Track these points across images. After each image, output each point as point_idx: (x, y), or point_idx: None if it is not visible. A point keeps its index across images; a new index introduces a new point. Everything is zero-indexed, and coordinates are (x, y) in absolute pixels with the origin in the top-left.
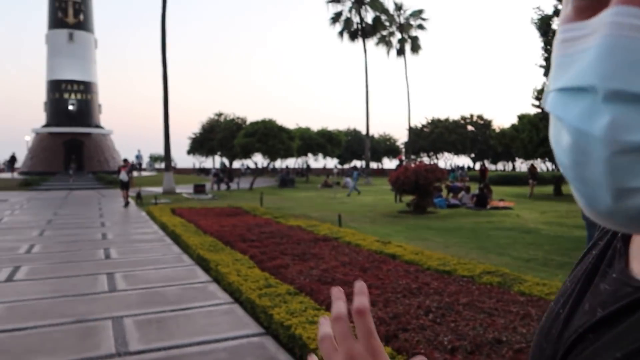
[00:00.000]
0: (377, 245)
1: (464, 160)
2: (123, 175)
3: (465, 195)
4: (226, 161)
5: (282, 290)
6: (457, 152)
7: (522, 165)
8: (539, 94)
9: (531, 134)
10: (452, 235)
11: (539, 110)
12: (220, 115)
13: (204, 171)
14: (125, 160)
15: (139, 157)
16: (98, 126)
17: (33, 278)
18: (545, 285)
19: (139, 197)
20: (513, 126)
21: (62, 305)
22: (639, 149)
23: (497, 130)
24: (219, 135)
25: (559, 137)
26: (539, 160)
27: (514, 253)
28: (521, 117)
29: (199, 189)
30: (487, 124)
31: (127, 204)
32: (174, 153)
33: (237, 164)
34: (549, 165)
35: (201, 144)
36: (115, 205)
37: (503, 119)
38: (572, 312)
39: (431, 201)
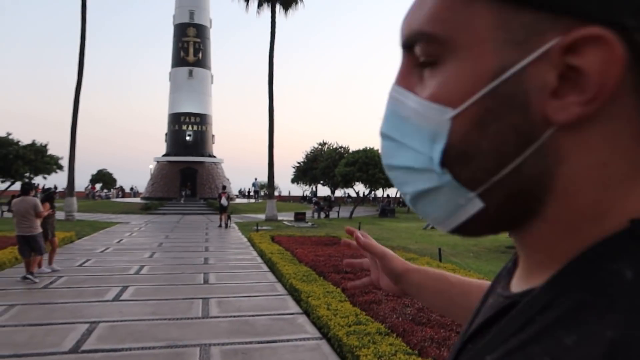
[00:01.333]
0: None
1: None
2: (223, 201)
3: None
4: (314, 189)
5: (372, 329)
6: None
7: None
8: None
9: None
10: None
11: None
12: (323, 144)
13: (306, 199)
14: (224, 187)
15: (255, 184)
16: (211, 155)
17: (136, 299)
18: None
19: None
20: None
21: (157, 328)
22: (395, 168)
23: None
24: (322, 164)
25: None
26: None
27: None
28: None
29: (299, 216)
30: None
31: (225, 225)
32: (279, 181)
33: (339, 193)
34: None
35: (304, 172)
36: (219, 230)
37: None
38: (468, 328)
39: None
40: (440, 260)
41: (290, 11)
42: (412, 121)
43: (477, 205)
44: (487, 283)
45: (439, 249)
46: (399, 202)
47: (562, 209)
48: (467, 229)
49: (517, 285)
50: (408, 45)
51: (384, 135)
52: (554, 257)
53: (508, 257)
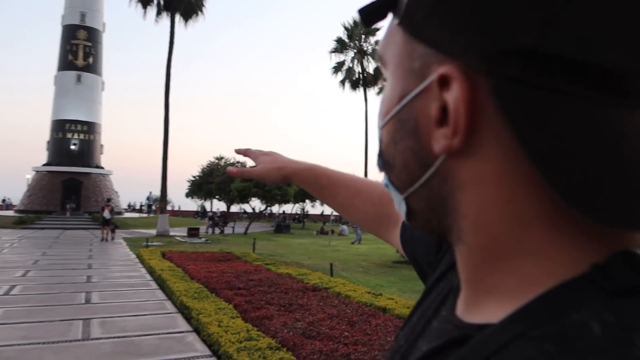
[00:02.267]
0: (367, 297)
1: None
2: (106, 213)
3: None
4: (203, 204)
5: (263, 344)
6: None
7: None
8: None
9: None
10: None
11: None
12: (220, 159)
13: (198, 214)
14: (109, 200)
15: (149, 198)
16: (98, 166)
17: (5, 322)
18: None
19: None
20: None
21: (30, 353)
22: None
23: None
24: (218, 179)
25: None
26: None
27: None
28: None
29: (193, 232)
30: None
31: (107, 239)
32: (173, 195)
33: (234, 208)
34: None
35: (200, 187)
36: (106, 246)
37: None
38: (409, 349)
39: None
40: (331, 275)
41: (190, 22)
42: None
43: (405, 206)
44: (355, 177)
45: (331, 265)
46: (294, 218)
47: (481, 238)
48: (410, 221)
49: (466, 312)
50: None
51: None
52: (501, 292)
53: (395, 272)
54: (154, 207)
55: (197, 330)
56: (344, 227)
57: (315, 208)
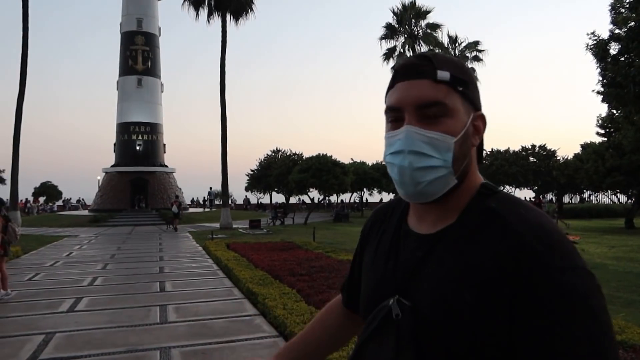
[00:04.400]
0: None
1: (526, 193)
2: (174, 208)
3: None
4: (254, 196)
5: None
6: (519, 184)
7: (591, 197)
8: (605, 122)
9: (596, 164)
10: None
11: (604, 139)
12: (277, 151)
13: (261, 207)
14: (176, 197)
15: (211, 193)
16: (162, 165)
17: (92, 309)
18: None
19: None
20: (576, 156)
21: (116, 335)
22: (421, 168)
23: (562, 160)
24: (276, 172)
25: (392, 171)
26: (609, 192)
27: None
28: (585, 147)
29: (254, 224)
30: (551, 154)
31: (175, 229)
32: (233, 189)
33: (293, 200)
34: (621, 197)
35: (258, 180)
36: (174, 240)
37: (567, 149)
38: (392, 269)
39: None
40: None
41: (241, 20)
42: (433, 143)
43: (454, 182)
44: (324, 316)
45: None
46: (353, 207)
47: (468, 182)
48: (441, 196)
49: (433, 227)
50: (423, 105)
51: (411, 151)
52: (458, 207)
53: None
54: (216, 202)
55: (264, 313)
56: None
57: (373, 196)
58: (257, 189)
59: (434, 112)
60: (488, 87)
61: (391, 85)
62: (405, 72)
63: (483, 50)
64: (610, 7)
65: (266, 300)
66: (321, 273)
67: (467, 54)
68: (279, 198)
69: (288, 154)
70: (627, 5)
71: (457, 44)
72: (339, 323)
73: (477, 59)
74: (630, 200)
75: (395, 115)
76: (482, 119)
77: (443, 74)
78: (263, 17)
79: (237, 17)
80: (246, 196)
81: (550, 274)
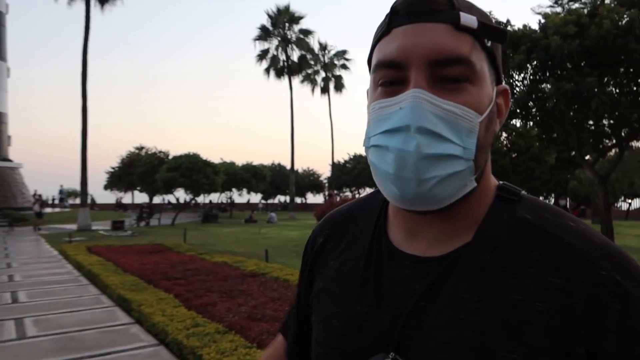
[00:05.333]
0: None
1: None
2: (36, 207)
3: None
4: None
5: (211, 329)
6: None
7: None
8: None
9: None
10: None
11: None
12: (141, 149)
13: (122, 207)
14: (39, 195)
15: (62, 192)
16: (6, 159)
17: None
18: None
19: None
20: None
21: None
22: (432, 156)
23: None
24: (139, 170)
25: (383, 159)
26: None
27: None
28: None
29: (117, 225)
30: None
31: (39, 229)
32: (91, 188)
33: (157, 199)
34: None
35: (120, 178)
36: (22, 244)
37: None
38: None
39: None
40: (267, 260)
41: (107, 6)
42: (452, 120)
43: (473, 184)
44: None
45: (266, 251)
46: (220, 207)
47: (484, 184)
48: (454, 203)
49: (437, 246)
50: (440, 62)
51: (420, 128)
52: (473, 218)
53: None
54: (68, 202)
55: (140, 321)
56: (273, 214)
57: (241, 197)
58: (118, 187)
59: (454, 73)
60: (355, 94)
61: (385, 32)
62: (411, 10)
63: (350, 60)
64: None
65: (142, 307)
66: (197, 276)
67: (336, 62)
68: (142, 197)
69: (153, 152)
70: None
71: (327, 51)
72: None
73: (344, 67)
74: None
75: (392, 75)
76: (507, 96)
77: (468, 19)
78: (134, 6)
79: (102, 2)
80: (91, 195)
81: None
